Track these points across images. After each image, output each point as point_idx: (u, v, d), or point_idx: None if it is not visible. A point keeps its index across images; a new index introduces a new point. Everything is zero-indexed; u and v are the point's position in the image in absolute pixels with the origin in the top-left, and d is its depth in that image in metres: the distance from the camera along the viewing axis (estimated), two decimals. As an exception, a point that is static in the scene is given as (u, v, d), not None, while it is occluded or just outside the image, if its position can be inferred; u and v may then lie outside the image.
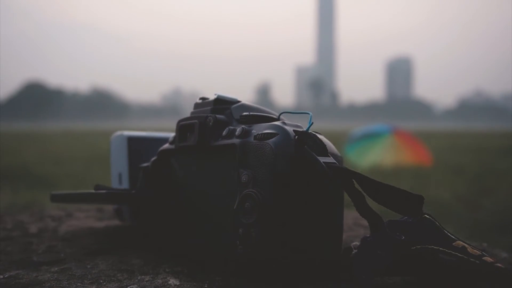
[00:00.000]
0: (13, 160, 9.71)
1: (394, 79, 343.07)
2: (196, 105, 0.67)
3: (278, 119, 0.61)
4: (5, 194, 5.20)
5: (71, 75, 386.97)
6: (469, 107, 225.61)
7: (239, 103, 0.63)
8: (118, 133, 0.70)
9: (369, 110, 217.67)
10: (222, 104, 0.63)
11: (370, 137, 8.79)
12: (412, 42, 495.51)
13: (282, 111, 0.62)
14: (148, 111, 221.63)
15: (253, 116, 0.57)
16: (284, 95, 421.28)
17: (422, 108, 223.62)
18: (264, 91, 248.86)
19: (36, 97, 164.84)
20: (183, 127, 0.65)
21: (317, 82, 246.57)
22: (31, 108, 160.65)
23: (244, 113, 0.59)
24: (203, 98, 0.66)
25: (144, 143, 0.73)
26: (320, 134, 0.62)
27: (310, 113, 0.59)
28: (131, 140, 0.73)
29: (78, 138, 23.32)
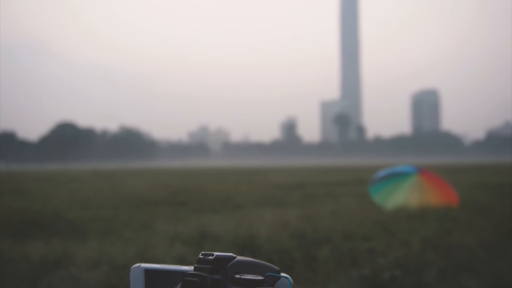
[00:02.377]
0: (44, 205, 9.97)
1: (421, 112, 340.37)
2: (199, 261, 0.72)
3: (263, 284, 0.68)
4: (36, 245, 5.34)
5: (101, 115, 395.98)
6: (499, 139, 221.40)
7: (234, 261, 0.69)
8: (136, 265, 0.79)
9: (396, 144, 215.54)
10: (220, 262, 0.69)
11: (395, 177, 8.77)
12: (438, 75, 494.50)
13: (267, 273, 0.67)
14: (176, 149, 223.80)
15: (240, 279, 0.67)
16: (310, 130, 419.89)
17: (450, 141, 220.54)
18: (290, 127, 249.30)
19: (67, 137, 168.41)
20: (186, 283, 0.72)
21: (342, 117, 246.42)
22: (62, 148, 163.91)
23: (236, 276, 0.68)
24: (205, 254, 0.72)
25: (162, 275, 0.79)
26: None
27: (290, 279, 0.66)
28: (149, 272, 0.78)
29: (107, 179, 23.76)
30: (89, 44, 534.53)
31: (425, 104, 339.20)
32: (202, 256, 0.72)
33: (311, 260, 4.40)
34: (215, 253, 0.70)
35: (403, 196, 8.26)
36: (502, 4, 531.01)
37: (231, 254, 0.71)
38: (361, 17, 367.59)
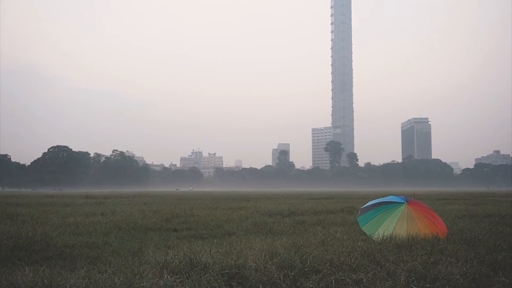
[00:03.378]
0: (34, 230, 9.92)
1: (412, 141, 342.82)
2: None
3: None
4: (24, 273, 5.34)
5: (94, 140, 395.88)
6: (488, 168, 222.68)
7: None
8: None
9: (387, 172, 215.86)
10: None
11: (383, 207, 8.84)
12: (429, 105, 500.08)
13: None
14: (169, 173, 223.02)
15: None
16: (302, 157, 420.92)
17: (441, 169, 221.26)
18: (282, 154, 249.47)
19: (60, 161, 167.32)
20: None
21: (334, 145, 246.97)
22: (55, 171, 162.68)
23: None
24: None
25: None
26: None
27: None
28: None
29: (99, 203, 23.63)
30: (83, 71, 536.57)
31: (416, 133, 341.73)
32: None
33: (298, 291, 4.45)
34: None
35: (391, 227, 8.32)
36: (490, 40, 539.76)
37: None
38: (354, 47, 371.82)
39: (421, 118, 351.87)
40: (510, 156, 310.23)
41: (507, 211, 15.95)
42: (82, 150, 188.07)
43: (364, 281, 4.77)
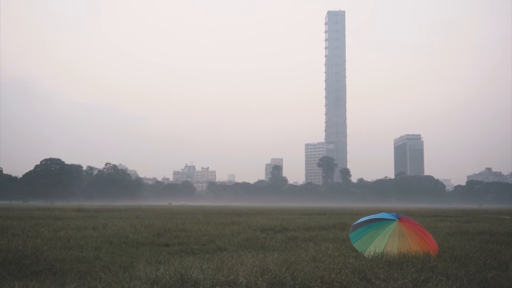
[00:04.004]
0: (25, 244, 9.86)
1: (404, 157, 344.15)
2: None
3: None
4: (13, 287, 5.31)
5: (87, 153, 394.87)
6: (479, 185, 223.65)
7: None
8: None
9: (380, 188, 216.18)
10: None
11: (375, 224, 8.86)
12: (422, 122, 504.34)
13: None
14: (161, 187, 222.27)
15: None
16: (296, 172, 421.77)
17: (433, 186, 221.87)
18: (275, 169, 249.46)
19: (52, 173, 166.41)
20: None
21: (327, 160, 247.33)
22: (47, 184, 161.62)
23: None
24: None
25: None
26: None
27: None
28: None
29: (91, 217, 23.49)
30: (77, 84, 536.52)
31: (409, 149, 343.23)
32: None
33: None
34: None
35: (382, 244, 8.34)
36: (484, 59, 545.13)
37: None
38: (348, 63, 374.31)
39: (414, 135, 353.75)
40: (502, 173, 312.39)
41: (498, 228, 16.02)
42: (75, 163, 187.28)
43: (354, 298, 4.78)
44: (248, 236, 13.06)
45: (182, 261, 7.36)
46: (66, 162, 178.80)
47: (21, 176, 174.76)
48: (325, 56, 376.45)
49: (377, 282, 5.57)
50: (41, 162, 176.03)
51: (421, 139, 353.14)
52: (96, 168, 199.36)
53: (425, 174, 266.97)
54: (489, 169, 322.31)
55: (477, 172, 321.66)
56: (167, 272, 5.96)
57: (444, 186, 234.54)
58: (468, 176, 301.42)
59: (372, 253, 8.00)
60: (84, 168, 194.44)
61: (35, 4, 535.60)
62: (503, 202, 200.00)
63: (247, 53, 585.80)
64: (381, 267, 6.61)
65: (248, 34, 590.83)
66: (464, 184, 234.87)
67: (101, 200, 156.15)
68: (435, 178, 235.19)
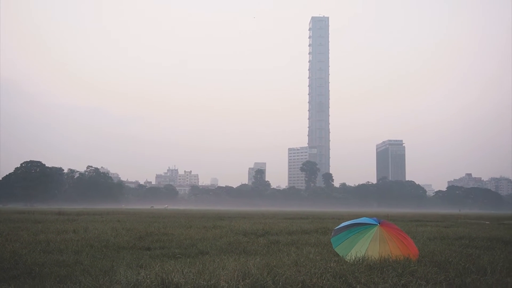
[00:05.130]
0: (3, 248, 9.74)
1: (386, 162, 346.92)
2: None
3: None
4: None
5: (68, 156, 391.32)
6: (460, 190, 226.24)
7: None
8: None
9: (362, 192, 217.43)
10: None
11: (356, 229, 8.92)
12: (405, 128, 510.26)
13: None
14: (144, 191, 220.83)
15: None
16: (279, 176, 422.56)
17: (414, 191, 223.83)
18: (258, 173, 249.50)
19: (32, 176, 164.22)
20: None
21: (310, 165, 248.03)
22: (27, 187, 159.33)
23: None
24: None
25: None
26: None
27: None
28: None
29: (71, 220, 23.24)
30: (58, 86, 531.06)
31: (391, 155, 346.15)
32: None
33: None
34: None
35: (364, 248, 8.40)
36: (463, 67, 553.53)
37: None
38: (331, 68, 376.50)
39: (396, 141, 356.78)
40: (482, 179, 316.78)
41: (477, 233, 16.22)
42: (56, 166, 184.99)
43: (335, 302, 4.80)
44: (230, 240, 13.04)
45: (164, 265, 7.33)
46: (46, 165, 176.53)
47: (0, 179, 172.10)
48: (309, 62, 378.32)
49: (358, 286, 5.61)
50: (21, 164, 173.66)
51: (403, 145, 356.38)
52: (77, 171, 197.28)
53: (407, 179, 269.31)
54: (469, 174, 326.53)
55: (457, 178, 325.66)
56: (148, 276, 5.92)
57: (425, 191, 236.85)
58: (448, 182, 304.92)
59: (353, 258, 8.05)
60: (65, 171, 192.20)
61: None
62: (483, 207, 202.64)
63: (230, 59, 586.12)
64: (362, 272, 6.65)
65: (232, 42, 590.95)
66: (444, 189, 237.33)
67: (82, 204, 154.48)
68: (416, 183, 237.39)
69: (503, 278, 6.33)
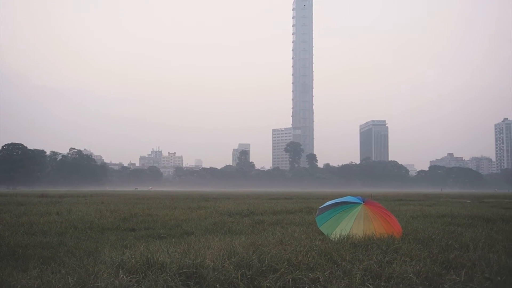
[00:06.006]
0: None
1: (370, 143, 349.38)
2: None
3: None
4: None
5: (49, 138, 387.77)
6: (441, 170, 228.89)
7: None
8: None
9: (345, 172, 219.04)
10: None
11: (341, 207, 8.96)
12: (387, 108, 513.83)
13: None
14: (127, 173, 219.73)
15: None
16: (263, 157, 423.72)
17: (397, 171, 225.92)
18: (242, 154, 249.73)
19: (14, 159, 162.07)
20: None
21: (294, 145, 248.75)
22: (9, 170, 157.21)
23: None
24: None
25: None
26: None
27: None
28: None
29: (55, 203, 23.04)
30: (39, 67, 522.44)
31: (374, 135, 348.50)
32: None
33: (255, 290, 4.46)
34: None
35: (348, 226, 8.45)
36: (447, 45, 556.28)
37: None
38: (315, 49, 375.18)
39: (379, 121, 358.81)
40: (463, 159, 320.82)
41: (459, 211, 16.44)
42: (38, 148, 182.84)
43: (321, 280, 4.82)
44: (215, 221, 13.05)
45: (149, 246, 7.30)
46: (28, 147, 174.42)
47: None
48: (293, 42, 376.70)
49: (343, 263, 5.64)
50: (2, 147, 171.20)
51: (386, 125, 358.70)
52: (60, 153, 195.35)
53: (390, 159, 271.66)
54: (451, 154, 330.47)
55: (439, 158, 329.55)
56: (133, 256, 5.89)
57: (407, 171, 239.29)
58: (430, 161, 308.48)
59: (338, 236, 8.09)
60: (48, 153, 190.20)
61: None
62: (464, 186, 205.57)
63: (215, 38, 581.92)
64: (347, 249, 6.69)
65: (215, 21, 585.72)
66: (427, 169, 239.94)
67: (65, 186, 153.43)
68: (399, 163, 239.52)
69: (485, 254, 6.41)
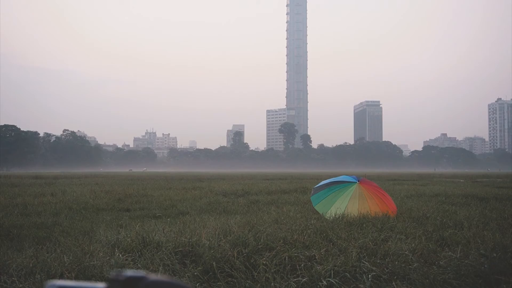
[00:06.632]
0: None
1: (364, 123, 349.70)
2: (110, 280, 0.69)
3: None
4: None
5: (43, 120, 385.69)
6: (435, 150, 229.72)
7: (146, 281, 0.68)
8: (51, 283, 0.76)
9: (339, 153, 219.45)
10: (131, 282, 0.68)
11: (336, 187, 8.98)
12: (381, 89, 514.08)
13: None
14: (122, 154, 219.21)
15: None
16: (257, 138, 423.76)
17: (391, 151, 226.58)
18: (236, 135, 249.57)
19: (7, 141, 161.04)
20: None
21: (288, 126, 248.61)
22: (2, 151, 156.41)
23: None
24: (116, 274, 0.70)
25: None
26: None
27: None
28: None
29: (49, 184, 22.99)
30: (32, 48, 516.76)
31: (368, 116, 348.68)
32: (113, 276, 0.70)
33: (251, 268, 4.46)
34: (126, 273, 0.69)
35: (343, 205, 8.48)
36: (441, 26, 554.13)
37: (143, 273, 0.70)
38: (309, 29, 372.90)
39: (373, 101, 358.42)
40: (457, 139, 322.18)
41: (453, 191, 16.53)
42: (31, 130, 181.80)
43: (316, 257, 4.83)
44: (210, 201, 13.07)
45: (144, 225, 7.30)
46: (21, 129, 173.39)
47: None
48: (287, 22, 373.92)
49: (339, 241, 5.65)
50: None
51: (380, 106, 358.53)
52: (53, 135, 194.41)
53: (384, 139, 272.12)
54: (444, 134, 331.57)
55: (433, 138, 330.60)
56: (129, 235, 5.88)
57: (401, 151, 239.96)
58: (424, 142, 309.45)
59: (333, 215, 8.12)
60: (41, 135, 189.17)
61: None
62: (457, 166, 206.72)
63: (209, 18, 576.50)
64: (342, 228, 6.71)
65: (209, 0, 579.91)
66: (420, 149, 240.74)
67: (59, 168, 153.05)
68: (393, 143, 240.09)
69: (480, 232, 6.45)
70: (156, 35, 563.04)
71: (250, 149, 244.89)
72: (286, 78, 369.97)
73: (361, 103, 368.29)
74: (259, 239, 5.50)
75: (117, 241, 5.65)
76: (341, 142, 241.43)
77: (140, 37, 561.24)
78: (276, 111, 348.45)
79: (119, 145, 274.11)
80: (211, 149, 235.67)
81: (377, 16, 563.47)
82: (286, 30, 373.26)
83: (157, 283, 0.68)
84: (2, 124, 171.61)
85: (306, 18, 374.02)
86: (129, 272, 0.70)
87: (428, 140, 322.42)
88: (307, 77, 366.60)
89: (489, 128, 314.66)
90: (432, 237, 6.16)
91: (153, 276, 0.69)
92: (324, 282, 3.94)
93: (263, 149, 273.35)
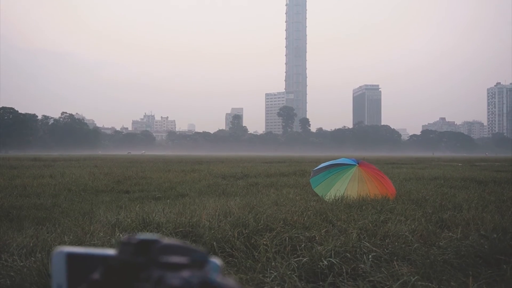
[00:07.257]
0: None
1: (363, 107, 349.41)
2: (123, 244, 0.66)
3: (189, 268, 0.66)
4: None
5: (41, 102, 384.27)
6: (433, 134, 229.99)
7: (159, 244, 0.65)
8: (58, 249, 0.74)
9: (338, 137, 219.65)
10: (144, 245, 0.65)
11: (335, 169, 8.98)
12: (380, 73, 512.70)
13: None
14: (120, 137, 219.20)
15: (165, 262, 0.65)
16: (256, 122, 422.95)
17: (390, 135, 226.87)
18: (235, 118, 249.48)
19: (6, 123, 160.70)
20: (108, 267, 0.70)
21: (287, 110, 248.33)
22: (0, 133, 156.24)
23: (160, 259, 0.66)
24: (129, 237, 0.67)
25: (84, 259, 0.74)
26: None
27: (217, 264, 0.63)
28: (71, 256, 0.74)
29: (48, 166, 23.02)
30: (29, 30, 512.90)
31: (367, 100, 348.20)
32: (126, 240, 0.68)
33: (252, 248, 4.47)
34: (139, 236, 0.68)
35: (343, 188, 8.48)
36: (438, 11, 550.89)
37: (156, 237, 0.69)
38: (308, 13, 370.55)
39: (372, 85, 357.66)
40: (455, 123, 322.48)
41: (451, 174, 16.57)
42: (29, 112, 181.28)
43: (317, 238, 4.84)
44: (209, 183, 13.08)
45: (143, 206, 7.30)
46: (20, 111, 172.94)
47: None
48: (286, 5, 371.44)
49: (339, 223, 5.66)
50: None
51: (379, 90, 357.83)
52: (51, 118, 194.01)
53: (382, 123, 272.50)
54: (443, 118, 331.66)
55: (431, 122, 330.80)
56: (129, 216, 5.88)
57: (400, 135, 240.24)
58: (423, 126, 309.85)
59: (333, 197, 8.13)
60: (39, 117, 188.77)
61: None
62: (455, 150, 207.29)
63: (207, 1, 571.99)
64: (342, 210, 6.72)
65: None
66: (419, 133, 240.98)
67: (57, 150, 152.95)
68: (392, 127, 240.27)
69: (479, 214, 6.46)
70: (155, 19, 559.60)
71: (249, 132, 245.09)
72: (285, 62, 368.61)
73: (360, 87, 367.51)
74: (259, 220, 5.51)
75: (117, 221, 5.65)
76: (339, 126, 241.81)
77: (139, 20, 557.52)
78: (275, 95, 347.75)
79: (118, 128, 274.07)
80: (209, 132, 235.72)
81: (377, 0, 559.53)
82: (286, 14, 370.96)
83: (170, 247, 0.66)
84: (0, 106, 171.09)
85: (306, 2, 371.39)
86: (142, 235, 0.68)
87: (426, 124, 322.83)
88: (306, 60, 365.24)
89: (488, 112, 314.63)
90: (432, 219, 6.17)
91: (166, 240, 0.67)
92: (325, 262, 3.95)
93: (261, 132, 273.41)
